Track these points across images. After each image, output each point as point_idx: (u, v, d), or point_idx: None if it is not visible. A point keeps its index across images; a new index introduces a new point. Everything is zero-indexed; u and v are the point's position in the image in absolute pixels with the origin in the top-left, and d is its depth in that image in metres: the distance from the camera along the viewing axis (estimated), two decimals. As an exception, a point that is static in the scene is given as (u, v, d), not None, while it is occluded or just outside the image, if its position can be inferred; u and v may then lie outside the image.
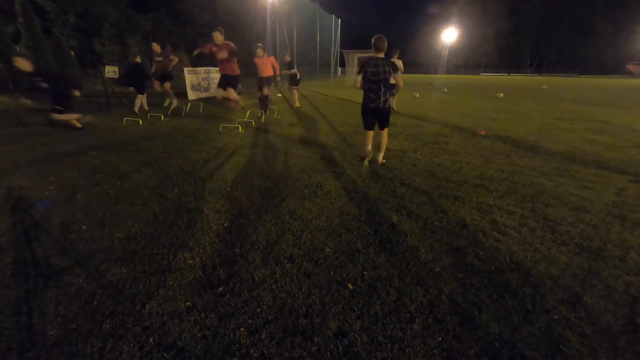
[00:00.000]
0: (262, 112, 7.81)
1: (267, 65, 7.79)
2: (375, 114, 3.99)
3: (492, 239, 2.45)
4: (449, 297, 1.81)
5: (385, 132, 4.11)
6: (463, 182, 3.64)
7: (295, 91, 10.03)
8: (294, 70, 9.85)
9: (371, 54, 3.86)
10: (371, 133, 4.14)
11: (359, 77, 3.90)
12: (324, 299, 1.79)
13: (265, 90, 7.79)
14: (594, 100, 13.46)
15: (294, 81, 9.95)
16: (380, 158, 4.21)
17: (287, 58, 9.96)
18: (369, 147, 4.16)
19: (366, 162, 4.14)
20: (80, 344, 1.48)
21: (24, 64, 5.20)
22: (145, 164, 4.17)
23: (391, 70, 3.70)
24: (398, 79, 3.82)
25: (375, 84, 3.79)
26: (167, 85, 8.90)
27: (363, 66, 3.86)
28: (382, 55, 3.78)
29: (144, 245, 2.30)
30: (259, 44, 7.66)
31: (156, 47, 8.82)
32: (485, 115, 8.83)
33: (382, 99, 3.85)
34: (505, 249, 2.31)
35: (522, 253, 2.26)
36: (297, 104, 9.96)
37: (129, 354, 1.44)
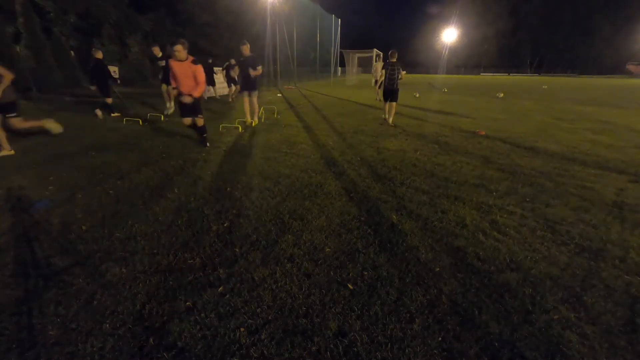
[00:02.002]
0: (202, 137, 5.19)
1: (187, 76, 4.57)
2: (391, 93, 7.09)
3: (492, 239, 2.45)
4: (449, 297, 1.81)
5: (394, 104, 7.21)
6: (463, 182, 3.64)
7: (249, 99, 6.74)
8: (257, 71, 6.44)
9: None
10: (388, 104, 7.22)
11: (383, 72, 7.05)
12: (324, 299, 1.79)
13: (199, 121, 4.91)
14: (594, 100, 13.47)
15: (249, 84, 6.59)
16: (390, 121, 7.25)
17: (246, 51, 6.49)
18: (387, 112, 7.28)
19: (384, 119, 7.44)
20: (80, 344, 1.48)
21: None
22: (145, 164, 4.17)
23: (400, 69, 6.94)
24: (403, 74, 7.04)
25: (392, 76, 6.97)
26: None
27: (385, 66, 7.06)
28: (394, 60, 6.96)
29: (144, 245, 2.30)
30: (182, 39, 4.50)
31: None
32: (485, 115, 8.84)
33: (396, 84, 7.03)
34: (505, 249, 2.31)
35: (522, 253, 2.26)
36: (253, 120, 6.98)
37: (129, 354, 1.44)
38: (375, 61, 13.17)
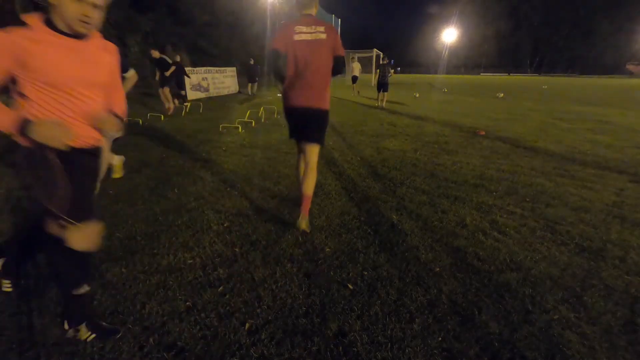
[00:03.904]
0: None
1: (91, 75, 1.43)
2: (383, 85, 10.33)
3: (492, 239, 2.45)
4: (449, 297, 1.81)
5: (386, 93, 10.47)
6: (463, 182, 3.64)
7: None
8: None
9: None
10: (380, 94, 10.43)
11: (378, 71, 10.72)
12: (324, 299, 1.79)
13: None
14: (594, 100, 13.47)
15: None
16: (384, 104, 10.43)
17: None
18: (380, 99, 10.56)
19: (378, 104, 10.62)
20: (80, 344, 1.48)
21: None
22: (145, 164, 4.17)
23: (388, 68, 10.54)
24: (392, 72, 10.76)
25: (383, 73, 10.35)
26: None
27: (378, 67, 11.29)
28: (385, 62, 11.00)
29: (144, 245, 2.30)
30: None
31: None
32: (485, 115, 8.84)
33: (386, 79, 10.33)
34: (505, 249, 2.31)
35: (522, 253, 2.26)
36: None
37: (129, 354, 1.44)
38: (352, 61, 14.91)
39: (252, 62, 13.76)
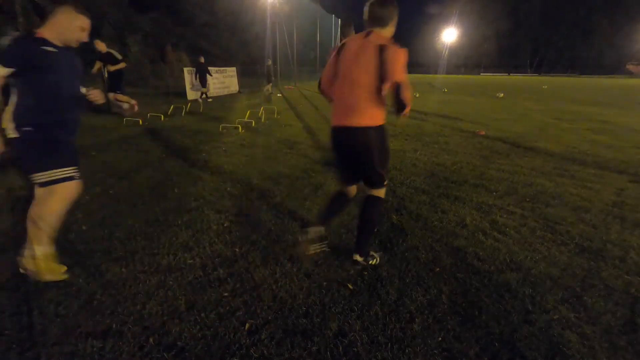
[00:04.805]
0: None
1: None
2: None
3: (492, 239, 2.45)
4: (449, 297, 1.81)
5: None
6: (463, 182, 3.64)
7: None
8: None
9: None
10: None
11: None
12: (324, 299, 1.79)
13: None
14: (594, 100, 13.47)
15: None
16: None
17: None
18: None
19: None
20: (80, 344, 1.48)
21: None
22: (145, 164, 4.17)
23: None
24: None
25: None
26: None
27: None
28: None
29: (144, 245, 2.30)
30: None
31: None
32: (485, 115, 8.84)
33: None
34: (505, 249, 2.31)
35: (522, 253, 2.26)
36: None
37: (129, 354, 1.44)
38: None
39: (269, 63, 13.90)
